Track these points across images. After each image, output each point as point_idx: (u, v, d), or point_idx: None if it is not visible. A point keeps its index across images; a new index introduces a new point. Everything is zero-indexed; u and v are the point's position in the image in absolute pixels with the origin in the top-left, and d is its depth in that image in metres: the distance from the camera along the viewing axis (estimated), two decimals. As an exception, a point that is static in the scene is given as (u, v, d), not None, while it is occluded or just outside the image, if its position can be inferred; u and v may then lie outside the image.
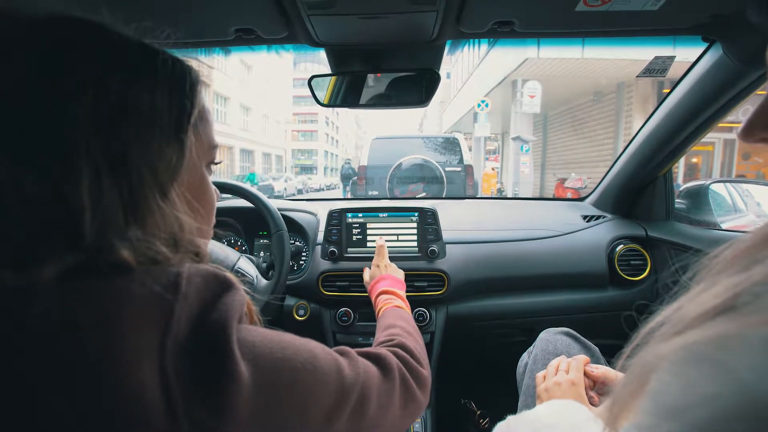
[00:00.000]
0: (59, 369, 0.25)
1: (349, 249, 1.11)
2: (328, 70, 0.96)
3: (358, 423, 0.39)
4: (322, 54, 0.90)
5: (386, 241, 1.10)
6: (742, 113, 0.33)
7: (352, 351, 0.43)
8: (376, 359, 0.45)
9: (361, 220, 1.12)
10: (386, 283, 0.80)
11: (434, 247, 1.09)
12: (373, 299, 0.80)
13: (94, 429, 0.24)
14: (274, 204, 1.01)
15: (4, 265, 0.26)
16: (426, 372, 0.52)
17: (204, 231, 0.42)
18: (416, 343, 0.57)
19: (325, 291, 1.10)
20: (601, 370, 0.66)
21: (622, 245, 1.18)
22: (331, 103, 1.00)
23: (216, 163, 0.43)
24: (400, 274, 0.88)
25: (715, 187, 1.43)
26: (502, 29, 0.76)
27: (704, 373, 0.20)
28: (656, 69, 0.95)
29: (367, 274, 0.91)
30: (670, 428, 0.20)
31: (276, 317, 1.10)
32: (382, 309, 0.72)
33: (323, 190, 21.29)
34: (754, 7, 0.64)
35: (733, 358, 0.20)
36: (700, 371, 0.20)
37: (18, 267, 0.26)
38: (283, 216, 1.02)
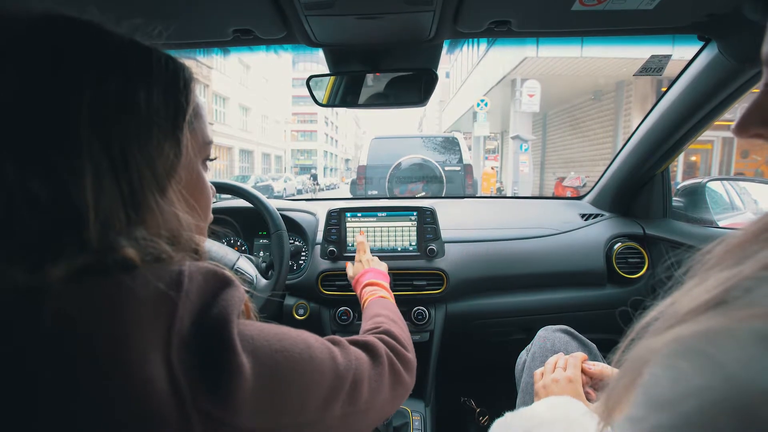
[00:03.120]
0: (70, 366, 0.25)
1: (348, 248, 1.11)
2: (327, 70, 0.96)
3: (352, 407, 0.40)
4: (321, 54, 0.91)
5: (386, 239, 1.11)
6: (740, 111, 0.33)
7: (343, 339, 0.45)
8: (366, 346, 0.47)
9: (360, 219, 1.12)
10: (370, 276, 0.82)
11: (433, 246, 1.09)
12: (358, 292, 0.81)
13: (108, 422, 0.25)
14: (273, 204, 1.01)
15: (17, 266, 0.26)
16: (411, 356, 0.54)
17: (201, 228, 0.43)
18: (401, 329, 0.59)
19: (325, 290, 1.10)
20: (598, 367, 0.66)
21: (619, 243, 1.19)
22: (330, 103, 1.00)
23: (211, 159, 0.44)
24: (383, 267, 0.89)
25: (712, 185, 1.43)
26: (499, 29, 0.77)
27: (694, 365, 0.20)
28: (653, 68, 0.95)
29: (350, 270, 0.91)
30: (659, 419, 0.21)
31: (276, 317, 1.11)
32: (367, 300, 0.74)
33: (323, 190, 21.28)
34: (751, 4, 0.65)
35: (721, 351, 0.20)
36: (689, 364, 0.21)
37: (30, 267, 0.26)
38: (283, 216, 1.03)
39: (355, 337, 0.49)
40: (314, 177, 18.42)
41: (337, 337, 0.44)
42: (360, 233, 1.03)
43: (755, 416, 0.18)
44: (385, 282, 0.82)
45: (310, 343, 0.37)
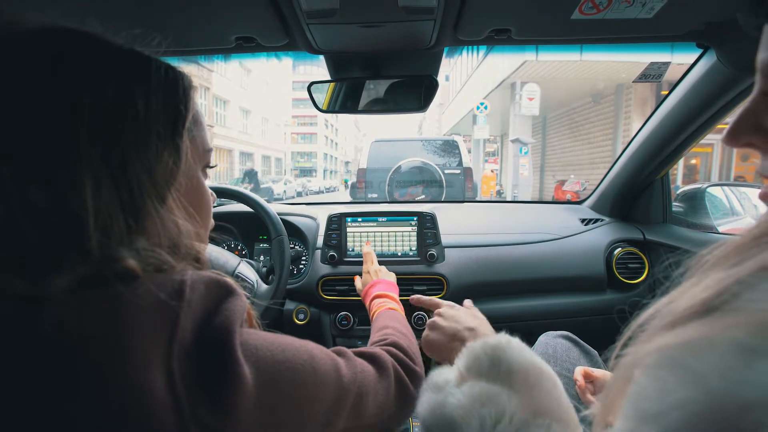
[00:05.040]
0: (71, 376, 0.25)
1: (348, 253, 1.11)
2: (327, 74, 0.97)
3: (357, 420, 0.40)
4: (322, 57, 0.91)
5: (386, 244, 1.11)
6: (731, 120, 0.33)
7: (349, 351, 0.44)
8: (372, 358, 0.46)
9: (361, 224, 1.13)
10: (379, 287, 0.81)
11: (433, 251, 1.09)
12: (367, 304, 0.80)
13: (106, 431, 0.25)
14: (273, 208, 1.01)
15: (18, 275, 0.26)
16: (419, 369, 0.53)
17: (201, 235, 0.42)
18: (409, 342, 0.58)
19: (325, 295, 1.10)
20: (599, 373, 0.67)
21: (620, 248, 1.19)
22: (330, 109, 1.01)
23: (211, 167, 0.44)
24: (392, 277, 0.88)
25: (712, 190, 1.43)
26: (499, 37, 0.77)
27: (677, 378, 0.21)
28: (652, 75, 0.96)
29: (359, 282, 0.91)
30: None
31: (276, 322, 1.11)
32: (376, 312, 0.73)
33: (323, 192, 21.29)
34: (745, 14, 0.65)
35: (702, 363, 0.20)
36: (673, 376, 0.21)
37: (31, 276, 0.26)
38: (283, 220, 1.03)
39: (361, 348, 0.48)
40: (249, 175, 10.91)
41: (342, 348, 0.43)
42: (366, 243, 1.02)
43: (736, 428, 0.18)
44: (395, 293, 0.80)
45: (314, 354, 0.36)
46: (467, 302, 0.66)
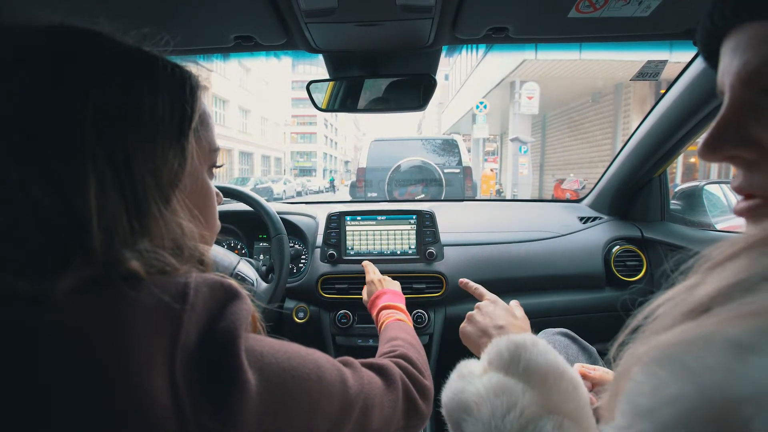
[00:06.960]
0: (72, 377, 0.25)
1: (347, 252, 1.12)
2: (326, 74, 0.97)
3: None
4: (321, 57, 0.92)
5: (385, 242, 1.12)
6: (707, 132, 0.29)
7: (356, 362, 0.43)
8: (379, 370, 0.46)
9: (360, 223, 1.13)
10: (386, 298, 0.80)
11: (432, 249, 1.10)
12: (374, 315, 0.79)
13: None
14: (273, 207, 1.02)
15: (21, 275, 0.26)
16: (429, 383, 0.52)
17: (206, 237, 0.42)
18: (418, 354, 0.58)
19: (325, 294, 1.10)
20: (598, 372, 0.67)
21: (618, 246, 1.19)
22: (330, 108, 1.01)
23: (218, 167, 0.43)
24: (397, 286, 0.87)
25: (709, 188, 1.44)
26: (497, 35, 0.78)
27: (672, 374, 0.21)
28: (649, 73, 0.96)
29: (365, 293, 0.89)
30: (642, 428, 0.21)
31: (276, 320, 1.11)
32: (384, 323, 0.72)
33: (322, 192, 21.28)
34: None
35: (695, 359, 0.20)
36: (668, 372, 0.21)
37: (34, 277, 0.26)
38: (283, 219, 1.03)
39: (369, 360, 0.47)
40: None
41: (349, 359, 0.43)
42: (364, 263, 0.99)
43: (727, 424, 0.18)
44: (402, 304, 0.79)
45: (320, 364, 0.36)
46: (513, 302, 0.67)
